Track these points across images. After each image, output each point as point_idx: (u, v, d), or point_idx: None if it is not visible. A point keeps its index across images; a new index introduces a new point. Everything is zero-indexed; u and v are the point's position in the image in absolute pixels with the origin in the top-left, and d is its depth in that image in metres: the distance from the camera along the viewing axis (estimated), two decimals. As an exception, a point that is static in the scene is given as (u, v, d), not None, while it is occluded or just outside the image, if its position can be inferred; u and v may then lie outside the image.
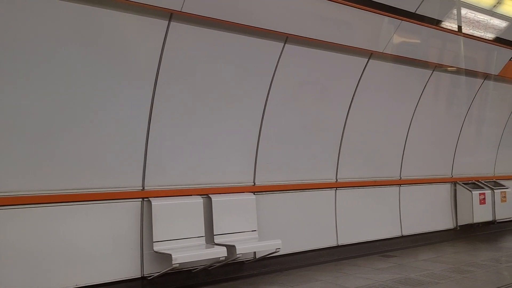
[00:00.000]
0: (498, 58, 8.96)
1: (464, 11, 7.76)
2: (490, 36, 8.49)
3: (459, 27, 7.85)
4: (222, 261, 5.58)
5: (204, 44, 5.75)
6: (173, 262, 5.11)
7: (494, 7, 8.23)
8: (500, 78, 9.40)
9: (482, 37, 8.35)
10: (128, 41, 5.24)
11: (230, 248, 5.65)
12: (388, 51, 7.18)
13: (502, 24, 8.48)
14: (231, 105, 6.20)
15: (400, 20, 6.91)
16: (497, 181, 10.20)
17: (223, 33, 5.78)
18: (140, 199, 5.58)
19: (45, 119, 4.89)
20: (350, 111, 7.40)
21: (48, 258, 4.92)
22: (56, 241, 4.98)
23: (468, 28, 7.93)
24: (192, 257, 5.37)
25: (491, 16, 8.25)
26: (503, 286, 5.85)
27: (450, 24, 7.74)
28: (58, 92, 4.90)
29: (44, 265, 4.90)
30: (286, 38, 6.25)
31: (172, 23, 5.33)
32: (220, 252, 5.46)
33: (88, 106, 5.13)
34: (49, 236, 4.94)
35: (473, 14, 8.03)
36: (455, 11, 7.73)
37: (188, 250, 5.46)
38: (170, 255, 5.16)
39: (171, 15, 5.30)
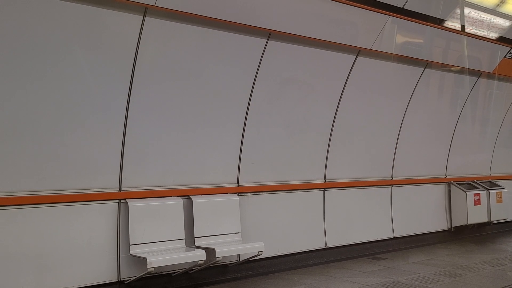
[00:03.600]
0: (492, 55, 8.76)
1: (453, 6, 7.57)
2: (481, 33, 8.28)
3: (443, 23, 7.66)
4: (201, 264, 5.40)
5: (185, 40, 5.59)
6: (148, 266, 4.94)
7: (497, 6, 8.05)
8: (495, 76, 9.19)
9: (476, 34, 8.15)
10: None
11: (210, 251, 5.48)
12: (377, 48, 6.98)
13: (495, 21, 8.28)
14: (213, 103, 6.02)
15: (388, 16, 6.72)
16: (493, 181, 9.99)
17: (204, 29, 5.61)
18: (117, 201, 5.40)
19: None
20: (338, 109, 7.22)
21: (18, 262, 4.74)
22: (26, 245, 4.80)
23: (456, 24, 7.73)
24: (169, 261, 5.21)
25: (490, 14, 8.07)
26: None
27: (452, 23, 7.57)
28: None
29: (14, 269, 4.72)
30: (269, 34, 6.06)
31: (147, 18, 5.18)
32: (198, 256, 5.29)
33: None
34: (18, 239, 4.76)
35: (468, 10, 7.85)
36: (444, 6, 7.54)
37: (166, 253, 5.29)
38: (146, 258, 4.98)
39: (146, 9, 5.13)
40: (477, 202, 9.10)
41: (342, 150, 7.47)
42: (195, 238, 5.82)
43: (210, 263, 5.59)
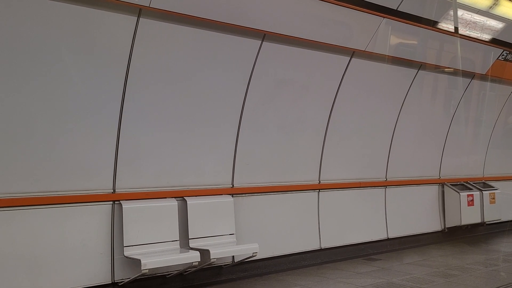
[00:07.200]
0: (485, 57, 8.80)
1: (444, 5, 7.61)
2: (475, 35, 8.33)
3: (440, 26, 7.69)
4: (196, 266, 5.39)
5: (180, 41, 5.58)
6: (142, 268, 4.93)
7: (490, 8, 8.09)
8: (488, 77, 9.24)
9: (469, 35, 8.19)
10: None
11: (204, 253, 5.47)
12: (371, 49, 7.00)
13: (488, 22, 8.33)
14: (208, 104, 6.01)
15: (382, 17, 6.74)
16: (486, 182, 10.04)
17: (199, 31, 5.60)
18: (111, 202, 5.38)
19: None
20: (333, 111, 7.23)
21: (11, 264, 4.71)
22: (19, 247, 4.77)
23: (449, 26, 7.77)
24: (163, 263, 5.20)
25: (483, 16, 8.11)
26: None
27: (445, 25, 7.60)
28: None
29: (7, 271, 4.68)
30: (264, 36, 6.07)
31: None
32: (193, 257, 5.28)
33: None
34: (11, 241, 4.73)
35: (461, 12, 7.88)
36: (438, 7, 7.57)
37: (160, 255, 5.28)
38: (140, 260, 4.96)
39: (140, 10, 5.12)
40: (471, 203, 9.14)
41: (337, 151, 7.48)
42: (189, 240, 5.80)
43: (204, 264, 5.58)
